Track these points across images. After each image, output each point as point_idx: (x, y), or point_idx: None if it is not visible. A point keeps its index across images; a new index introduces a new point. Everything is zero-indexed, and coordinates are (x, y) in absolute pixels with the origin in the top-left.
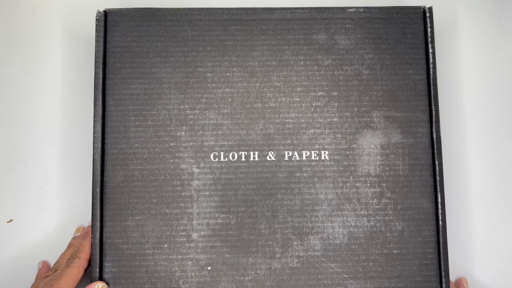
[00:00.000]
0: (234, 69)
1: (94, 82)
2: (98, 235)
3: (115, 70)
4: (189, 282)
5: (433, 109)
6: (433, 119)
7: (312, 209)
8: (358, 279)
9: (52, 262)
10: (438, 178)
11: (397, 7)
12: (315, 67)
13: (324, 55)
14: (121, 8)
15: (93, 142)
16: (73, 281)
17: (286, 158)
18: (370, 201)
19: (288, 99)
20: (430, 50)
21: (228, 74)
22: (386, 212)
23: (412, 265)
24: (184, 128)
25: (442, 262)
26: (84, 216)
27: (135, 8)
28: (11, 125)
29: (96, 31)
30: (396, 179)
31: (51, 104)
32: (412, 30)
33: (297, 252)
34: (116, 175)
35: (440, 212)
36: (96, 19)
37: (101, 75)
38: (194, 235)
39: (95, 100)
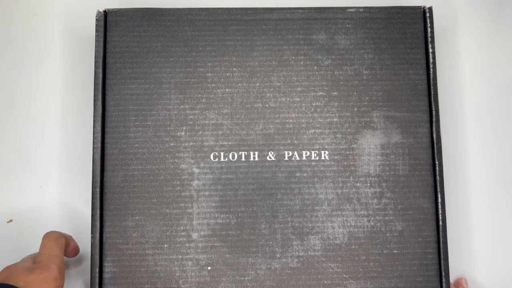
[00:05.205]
0: (234, 69)
1: (94, 82)
2: (98, 235)
3: (115, 70)
4: (189, 282)
5: (433, 109)
6: (433, 119)
7: (312, 209)
8: (358, 279)
9: None
10: (438, 178)
11: (397, 7)
12: (315, 67)
13: (324, 55)
14: (121, 8)
15: (93, 142)
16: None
17: (286, 158)
18: (370, 201)
19: (288, 99)
20: (430, 50)
21: (228, 74)
22: (386, 212)
23: (412, 265)
24: (184, 128)
25: (442, 262)
26: (84, 216)
27: (135, 8)
28: (11, 125)
29: (96, 31)
30: (396, 179)
31: (51, 104)
32: (412, 30)
33: (297, 252)
34: (116, 175)
35: (440, 212)
36: (96, 19)
37: (101, 75)
38: (194, 235)
39: (95, 100)
